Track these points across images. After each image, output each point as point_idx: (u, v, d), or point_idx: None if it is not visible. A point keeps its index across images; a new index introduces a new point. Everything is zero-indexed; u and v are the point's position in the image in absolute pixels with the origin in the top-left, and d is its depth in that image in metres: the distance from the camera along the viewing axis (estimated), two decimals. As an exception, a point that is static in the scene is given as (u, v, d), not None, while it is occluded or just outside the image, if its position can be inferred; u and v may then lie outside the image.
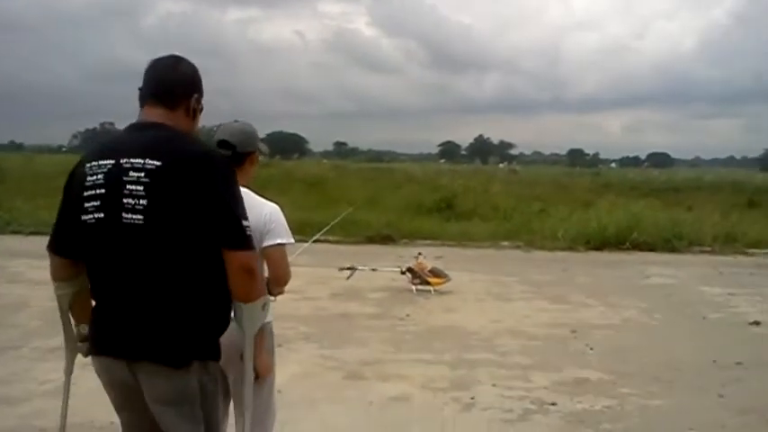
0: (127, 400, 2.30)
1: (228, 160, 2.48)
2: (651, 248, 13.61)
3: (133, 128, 2.35)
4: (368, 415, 4.78)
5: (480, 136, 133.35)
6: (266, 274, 2.90)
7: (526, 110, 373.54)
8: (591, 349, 6.55)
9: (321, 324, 7.34)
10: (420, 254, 9.88)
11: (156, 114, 2.32)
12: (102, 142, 2.43)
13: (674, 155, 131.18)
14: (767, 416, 4.88)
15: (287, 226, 2.95)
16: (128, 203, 2.16)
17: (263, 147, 3.17)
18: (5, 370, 5.53)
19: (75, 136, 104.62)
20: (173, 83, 2.36)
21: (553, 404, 5.03)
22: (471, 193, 23.09)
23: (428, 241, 14.13)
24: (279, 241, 2.87)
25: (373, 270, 9.55)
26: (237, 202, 2.24)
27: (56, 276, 2.43)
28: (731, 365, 6.07)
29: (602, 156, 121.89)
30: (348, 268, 9.35)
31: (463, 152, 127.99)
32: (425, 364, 5.98)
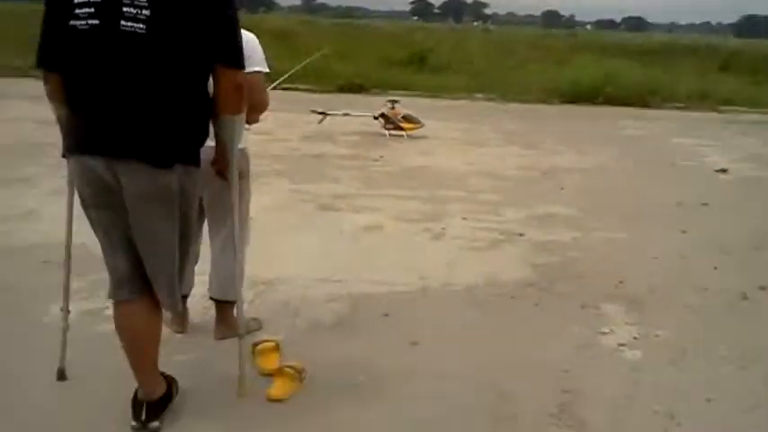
0: (102, 197, 2.31)
1: None
2: (625, 103, 13.57)
3: None
4: (341, 241, 4.81)
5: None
6: None
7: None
8: (561, 189, 6.64)
9: (293, 163, 7.29)
10: (395, 100, 9.68)
11: None
12: None
13: (649, 19, 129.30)
14: (726, 248, 5.01)
15: (263, 55, 2.89)
16: (128, 12, 2.14)
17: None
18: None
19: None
20: None
21: (521, 235, 5.13)
22: (445, 49, 22.61)
23: (401, 92, 13.87)
24: (257, 68, 2.82)
25: (345, 114, 9.42)
26: (237, 21, 2.32)
27: (53, 96, 2.38)
28: (696, 206, 6.20)
29: (577, 18, 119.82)
30: (320, 112, 9.21)
31: (436, 11, 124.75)
32: (398, 199, 6.01)
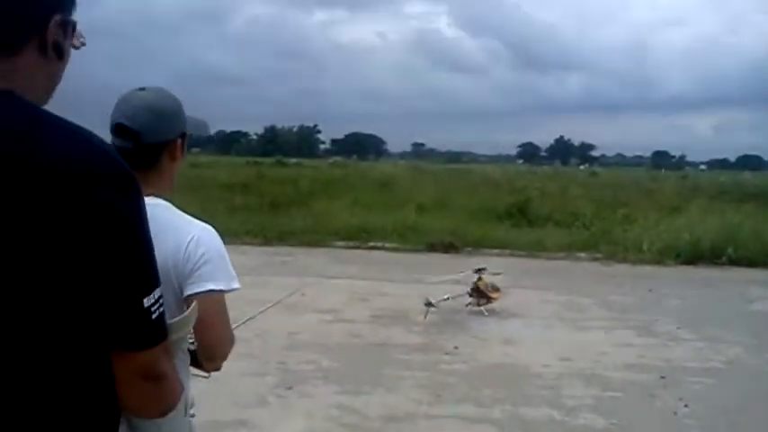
0: None
1: (129, 169, 1.18)
2: (752, 264, 11.79)
3: None
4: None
5: (561, 137, 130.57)
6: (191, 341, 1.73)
7: (609, 110, 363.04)
8: (686, 406, 5.07)
9: (349, 357, 6.10)
10: (483, 268, 8.44)
11: None
12: None
13: (766, 157, 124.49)
14: None
15: (227, 260, 1.77)
16: None
17: (197, 125, 1.94)
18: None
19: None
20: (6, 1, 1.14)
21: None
22: (547, 197, 21.53)
23: (495, 250, 12.75)
24: (211, 287, 1.70)
25: (446, 299, 8.02)
26: (139, 264, 1.16)
27: None
28: None
29: (689, 158, 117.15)
30: (427, 304, 7.80)
31: (543, 153, 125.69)
32: (468, 423, 4.66)
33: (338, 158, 59.54)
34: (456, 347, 6.47)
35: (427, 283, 8.79)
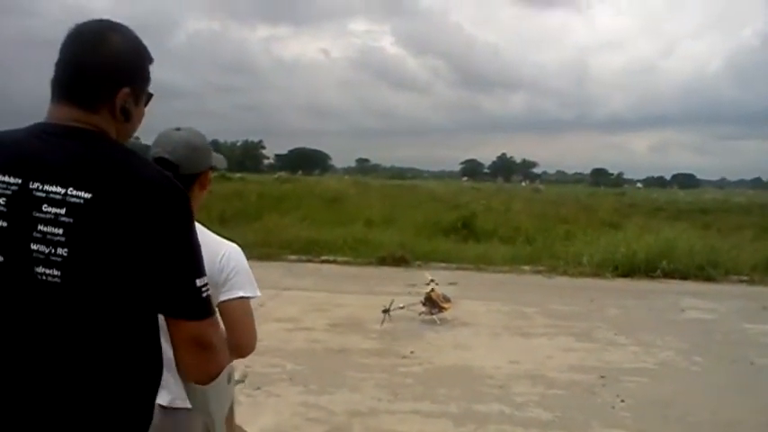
0: None
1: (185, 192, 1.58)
2: (684, 277, 12.54)
3: (44, 132, 1.51)
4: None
5: (503, 154, 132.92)
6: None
7: (550, 129, 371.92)
8: (622, 401, 5.58)
9: (311, 362, 6.45)
10: (432, 281, 8.90)
11: (73, 116, 1.51)
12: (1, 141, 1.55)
13: (699, 176, 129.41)
14: None
15: (251, 273, 2.21)
16: (39, 251, 1.41)
17: (220, 160, 2.31)
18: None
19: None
20: (92, 72, 1.52)
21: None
22: (492, 212, 22.22)
23: (443, 264, 13.22)
24: (241, 294, 2.15)
25: (401, 308, 8.43)
26: (195, 255, 1.54)
27: None
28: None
29: (626, 176, 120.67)
30: (384, 311, 8.20)
31: (486, 170, 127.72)
32: (425, 418, 5.06)
33: (283, 173, 59.34)
34: (412, 352, 6.88)
35: (380, 294, 9.19)
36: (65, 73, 1.53)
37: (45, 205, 1.40)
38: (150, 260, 1.44)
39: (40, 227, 1.40)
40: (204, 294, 1.52)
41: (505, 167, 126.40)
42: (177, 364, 1.57)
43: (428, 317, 8.33)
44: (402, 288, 9.65)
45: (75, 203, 1.40)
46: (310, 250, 14.12)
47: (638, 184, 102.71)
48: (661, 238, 14.06)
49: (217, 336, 1.59)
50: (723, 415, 5.33)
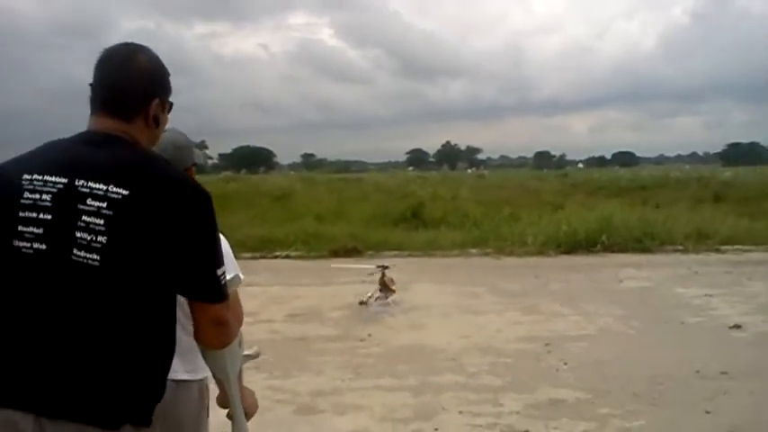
0: None
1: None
2: (623, 250, 13.26)
3: (88, 140, 1.83)
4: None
5: (448, 142, 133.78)
6: None
7: (492, 114, 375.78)
8: (565, 364, 6.07)
9: (274, 350, 6.74)
10: (386, 266, 9.31)
11: (111, 126, 1.84)
12: (46, 152, 1.86)
13: (638, 153, 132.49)
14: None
15: (234, 260, 2.49)
16: (82, 238, 1.70)
17: (200, 156, 2.61)
18: None
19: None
20: (125, 88, 1.86)
21: (526, 432, 4.54)
22: (439, 200, 22.74)
23: (395, 252, 13.65)
24: (233, 274, 2.46)
25: (372, 297, 8.86)
26: (216, 245, 1.83)
27: None
28: (716, 375, 5.63)
29: (568, 157, 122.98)
30: (361, 303, 8.76)
31: (431, 159, 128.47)
32: (386, 392, 5.45)
33: (228, 173, 58.89)
34: (370, 335, 7.27)
35: (335, 284, 9.57)
36: (102, 91, 1.86)
37: (89, 199, 1.71)
38: (178, 249, 1.74)
39: (85, 217, 1.70)
40: (222, 282, 1.84)
41: (450, 155, 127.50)
42: (197, 336, 1.91)
43: (383, 301, 8.72)
44: (356, 278, 10.00)
45: (114, 198, 1.71)
46: (263, 248, 14.38)
47: (580, 165, 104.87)
48: (600, 215, 14.78)
49: (230, 313, 1.92)
50: (656, 370, 5.84)
